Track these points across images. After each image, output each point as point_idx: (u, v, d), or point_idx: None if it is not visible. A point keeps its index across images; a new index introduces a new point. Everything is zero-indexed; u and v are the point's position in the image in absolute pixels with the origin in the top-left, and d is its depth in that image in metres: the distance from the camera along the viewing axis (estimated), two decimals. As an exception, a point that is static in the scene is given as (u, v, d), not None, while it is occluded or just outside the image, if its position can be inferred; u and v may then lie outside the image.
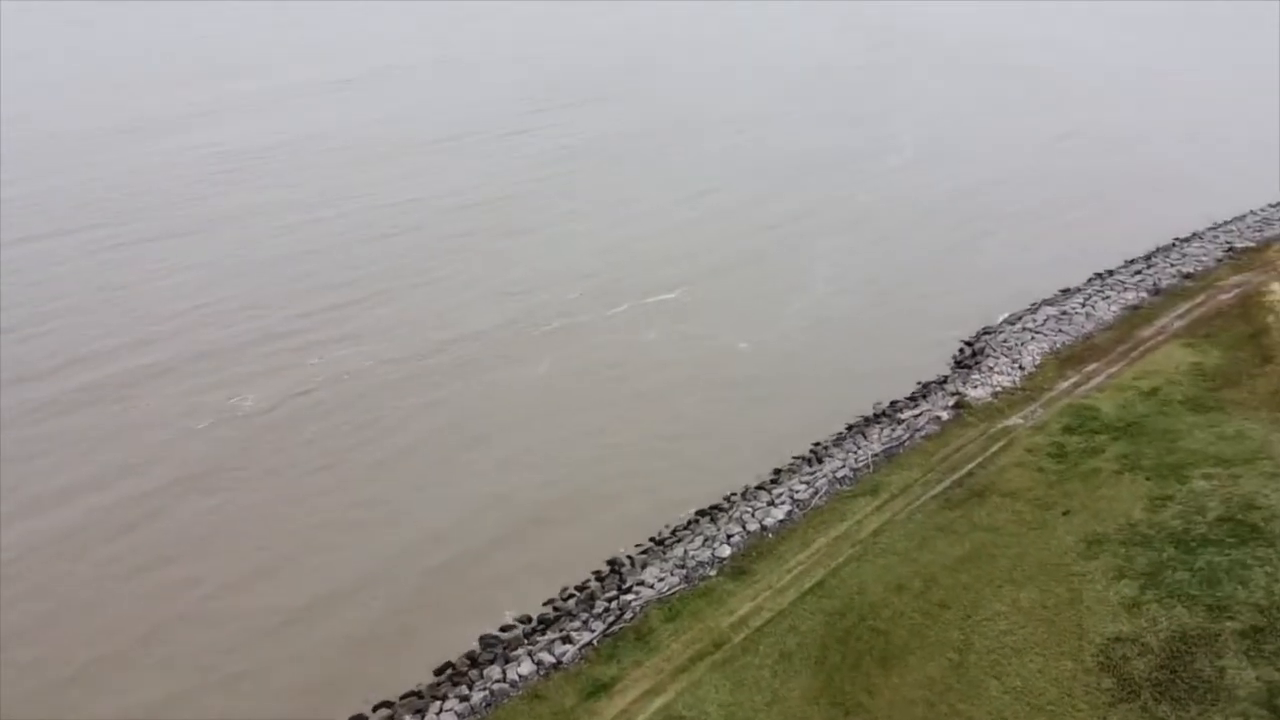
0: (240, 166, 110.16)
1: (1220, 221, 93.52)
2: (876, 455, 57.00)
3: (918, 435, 58.73)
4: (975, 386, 63.97)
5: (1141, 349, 67.31)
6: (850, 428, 61.91)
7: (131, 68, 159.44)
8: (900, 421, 60.61)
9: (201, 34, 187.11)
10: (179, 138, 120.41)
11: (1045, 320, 72.71)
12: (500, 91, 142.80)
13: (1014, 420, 59.44)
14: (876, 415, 63.03)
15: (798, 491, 54.34)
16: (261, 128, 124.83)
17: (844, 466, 56.27)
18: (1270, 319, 68.07)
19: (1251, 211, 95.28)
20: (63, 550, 51.61)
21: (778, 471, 57.85)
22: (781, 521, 51.84)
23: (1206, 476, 48.81)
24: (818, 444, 60.31)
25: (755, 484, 56.76)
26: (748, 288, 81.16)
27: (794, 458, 59.25)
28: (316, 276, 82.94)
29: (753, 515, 52.78)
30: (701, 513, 54.46)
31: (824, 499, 53.52)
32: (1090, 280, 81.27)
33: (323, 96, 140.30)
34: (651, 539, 52.44)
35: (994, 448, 56.60)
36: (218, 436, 61.28)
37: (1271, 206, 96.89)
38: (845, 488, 54.47)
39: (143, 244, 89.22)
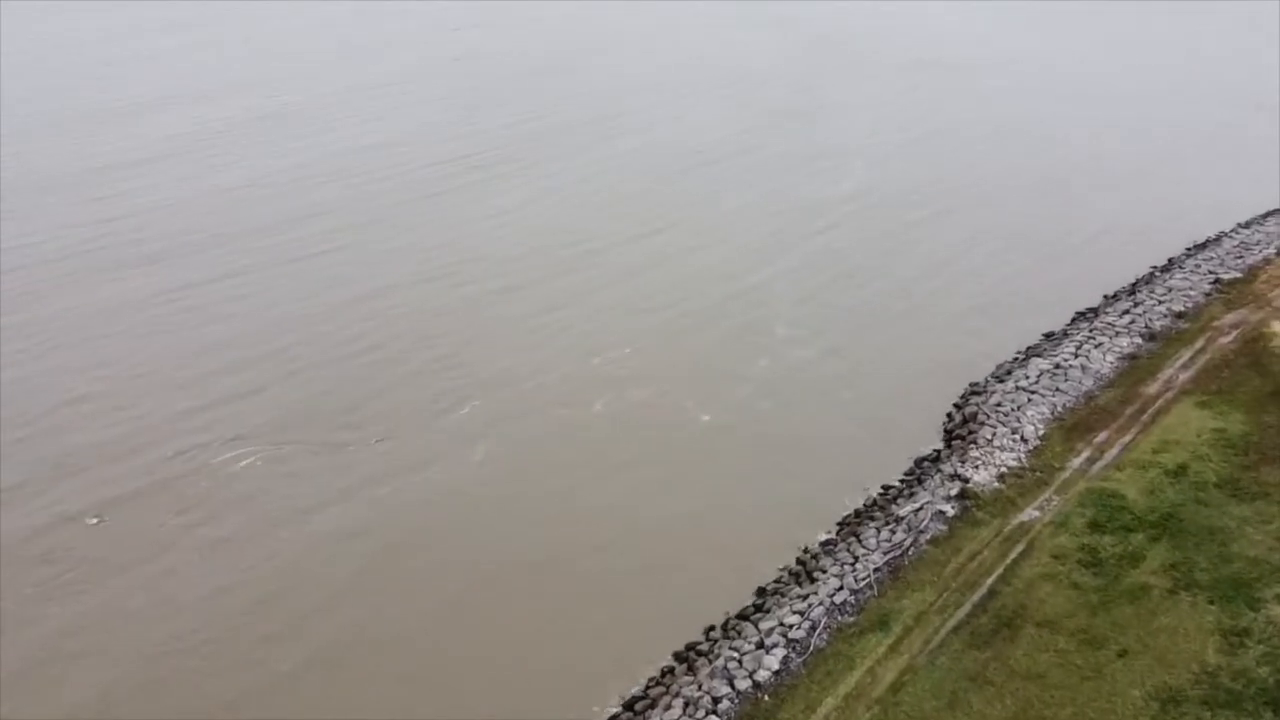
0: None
1: (1196, 243, 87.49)
2: (878, 570, 47.85)
3: (923, 540, 49.81)
4: (977, 467, 55.44)
5: (1152, 411, 59.72)
6: (841, 527, 52.73)
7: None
8: (899, 519, 51.61)
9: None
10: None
11: (1039, 376, 64.73)
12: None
13: (1030, 513, 51.00)
14: (868, 508, 53.99)
15: (791, 625, 44.86)
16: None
17: (842, 587, 46.97)
18: (1287, 371, 61.18)
19: (1225, 234, 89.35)
20: None
21: (762, 592, 48.35)
22: (777, 673, 42.32)
23: (1283, 601, 40.83)
24: (805, 551, 50.95)
25: (736, 611, 47.20)
26: (701, 341, 71.48)
27: (780, 571, 49.83)
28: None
29: (740, 663, 43.13)
30: (679, 657, 44.58)
31: (824, 637, 44.15)
32: (1074, 321, 73.90)
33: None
34: (621, 702, 42.26)
35: (1014, 553, 48.01)
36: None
37: (1243, 227, 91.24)
38: (847, 618, 45.19)
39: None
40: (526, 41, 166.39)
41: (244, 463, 57.53)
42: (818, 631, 44.24)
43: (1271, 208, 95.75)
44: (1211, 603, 41.66)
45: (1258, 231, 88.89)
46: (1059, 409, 61.08)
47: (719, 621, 46.59)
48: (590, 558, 50.34)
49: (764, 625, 45.38)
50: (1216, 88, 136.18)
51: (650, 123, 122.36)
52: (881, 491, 55.48)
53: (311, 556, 50.28)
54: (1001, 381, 65.23)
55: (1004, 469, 55.19)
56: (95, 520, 53.00)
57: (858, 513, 53.82)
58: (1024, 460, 55.89)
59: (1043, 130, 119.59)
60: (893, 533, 50.69)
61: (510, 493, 55.11)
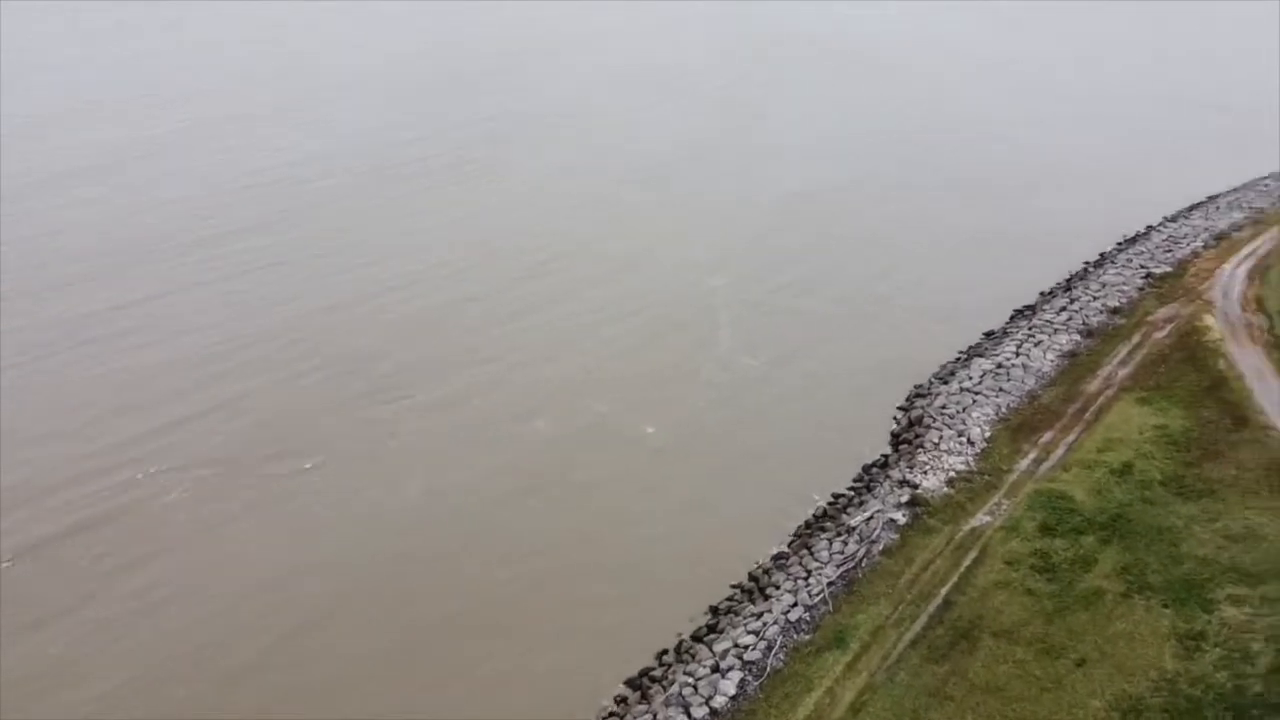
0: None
1: (1127, 238, 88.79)
2: (832, 583, 46.76)
3: (875, 550, 48.88)
4: (925, 473, 54.80)
5: (1094, 409, 59.87)
6: (793, 539, 51.60)
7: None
8: (851, 530, 50.65)
9: None
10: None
11: (982, 377, 64.57)
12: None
13: (980, 518, 50.47)
14: (819, 519, 52.98)
15: (746, 646, 43.50)
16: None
17: (796, 604, 45.77)
18: (1223, 365, 61.95)
19: (1153, 228, 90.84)
20: None
21: (715, 611, 46.94)
22: (734, 698, 40.88)
23: (1235, 601, 40.77)
24: (757, 566, 49.71)
25: (690, 633, 45.71)
26: (646, 351, 69.84)
27: (732, 588, 48.46)
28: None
29: (695, 689, 41.64)
30: (632, 684, 42.93)
31: (780, 657, 42.85)
32: (1013, 320, 74.12)
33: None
34: (572, 737, 40.50)
35: (967, 560, 47.36)
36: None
37: (1169, 220, 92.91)
38: (803, 636, 43.98)
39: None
40: (475, 42, 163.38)
41: (171, 496, 54.20)
42: (774, 651, 42.94)
43: (1195, 201, 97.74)
44: (1166, 606, 41.39)
45: (1184, 225, 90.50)
46: (1003, 409, 60.89)
47: (672, 645, 45.01)
48: (536, 585, 48.36)
49: (718, 647, 43.95)
50: (1145, 86, 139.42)
51: (596, 127, 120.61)
52: (831, 501, 54.53)
53: (244, 607, 47.16)
54: (945, 383, 64.90)
55: (952, 473, 54.65)
56: (8, 563, 49.36)
57: (808, 524, 52.80)
58: (972, 464, 55.44)
59: (976, 130, 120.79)
60: (845, 544, 49.69)
61: (451, 524, 52.70)
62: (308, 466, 56.57)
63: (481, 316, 73.86)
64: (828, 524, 52.12)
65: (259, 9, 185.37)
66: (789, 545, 51.23)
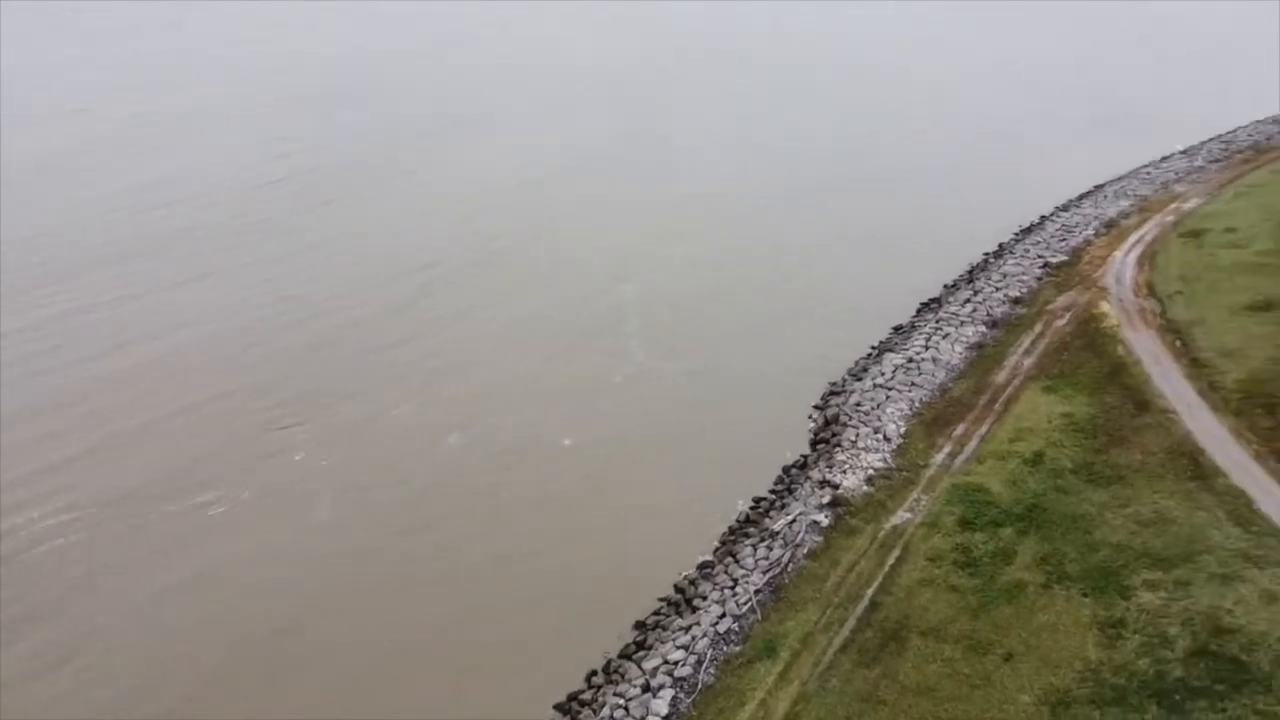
0: None
1: (1023, 228, 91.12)
2: (759, 591, 46.21)
3: (800, 554, 48.53)
4: (845, 472, 54.80)
5: (1003, 399, 60.87)
6: (718, 548, 50.90)
7: None
8: (775, 534, 50.21)
9: None
10: None
11: (894, 372, 65.08)
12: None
13: (901, 516, 50.62)
14: (742, 525, 52.44)
15: (676, 662, 42.60)
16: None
17: (724, 614, 45.07)
18: (1121, 350, 63.74)
19: (1047, 218, 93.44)
20: None
21: (642, 627, 45.90)
22: (667, 718, 39.83)
23: (1150, 586, 41.61)
24: (682, 577, 48.83)
25: (619, 651, 44.58)
26: (558, 362, 68.34)
27: (659, 602, 47.48)
28: None
29: (626, 710, 40.64)
30: (562, 709, 41.57)
31: (711, 671, 42.07)
32: (920, 313, 75.13)
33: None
34: (500, 772, 38.86)
35: (890, 559, 47.38)
36: None
37: (1061, 210, 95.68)
38: (733, 647, 43.29)
39: None
40: (363, 37, 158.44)
41: (55, 543, 50.42)
42: (704, 666, 42.14)
43: (1083, 190, 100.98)
44: (1085, 595, 42.00)
45: (1075, 214, 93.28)
46: (917, 404, 61.43)
47: (600, 665, 43.77)
48: (457, 613, 46.51)
49: (648, 664, 42.92)
50: (1037, 79, 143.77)
51: (501, 128, 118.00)
52: (753, 505, 54.07)
53: (140, 661, 44.13)
54: (859, 379, 65.22)
55: (871, 471, 54.76)
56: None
57: (732, 530, 52.21)
58: (889, 460, 55.66)
59: (875, 129, 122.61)
60: (769, 549, 49.23)
61: (360, 557, 50.37)
62: (207, 501, 53.39)
63: (382, 336, 71.01)
64: (751, 529, 51.61)
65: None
66: (714, 553, 50.54)
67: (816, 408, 63.26)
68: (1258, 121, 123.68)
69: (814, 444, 59.62)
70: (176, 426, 59.90)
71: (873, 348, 70.27)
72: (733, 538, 51.37)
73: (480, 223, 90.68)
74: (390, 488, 54.99)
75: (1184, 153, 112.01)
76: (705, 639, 43.52)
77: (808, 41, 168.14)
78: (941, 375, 64.57)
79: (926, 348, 68.04)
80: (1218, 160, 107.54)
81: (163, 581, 47.99)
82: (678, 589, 47.95)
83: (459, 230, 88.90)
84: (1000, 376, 63.67)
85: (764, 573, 47.39)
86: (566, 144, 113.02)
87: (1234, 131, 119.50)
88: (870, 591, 45.34)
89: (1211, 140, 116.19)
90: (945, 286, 79.72)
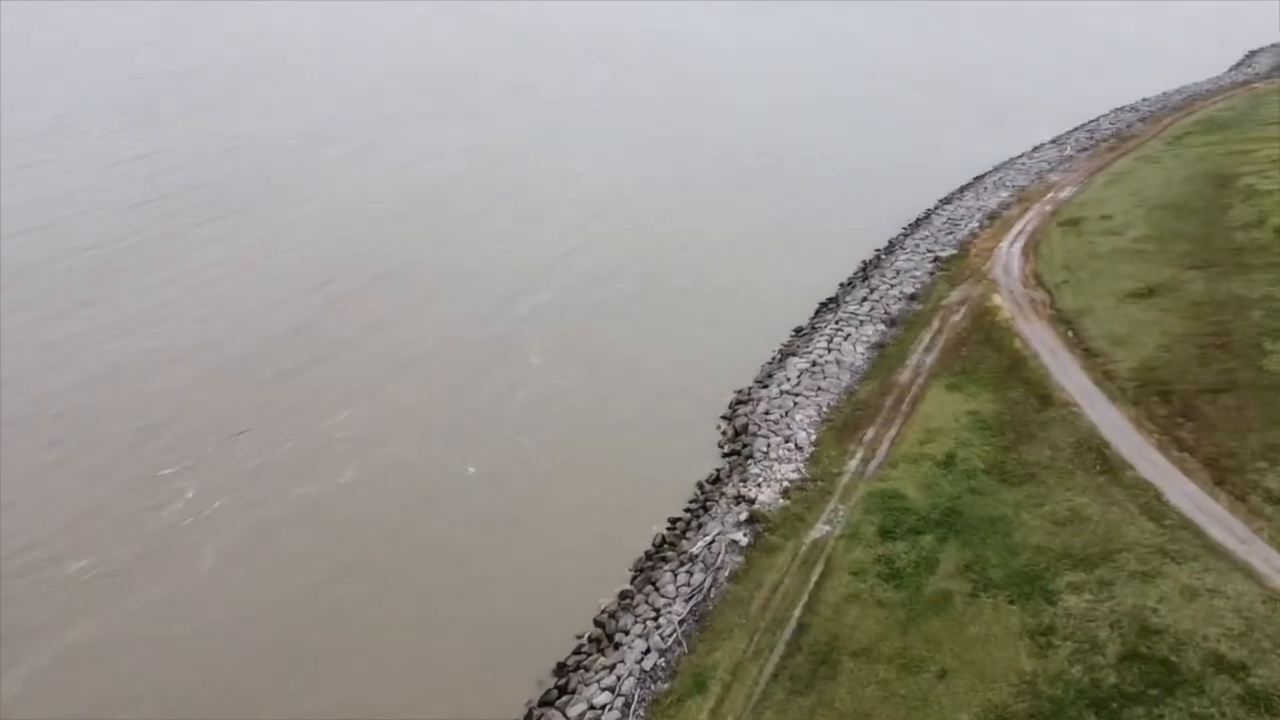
0: None
1: (910, 223, 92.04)
2: (683, 621, 44.17)
3: (722, 577, 46.74)
4: (760, 484, 53.37)
5: (909, 399, 60.59)
6: (636, 575, 48.66)
7: None
8: (694, 558, 48.29)
9: None
10: None
11: (799, 377, 64.15)
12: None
13: (820, 529, 49.42)
14: (659, 548, 50.39)
15: (602, 707, 40.22)
16: None
17: (649, 649, 42.87)
18: (1018, 344, 64.46)
19: (932, 211, 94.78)
20: None
21: (564, 670, 43.29)
22: (598, 769, 37.40)
23: (1075, 589, 41.37)
24: (602, 611, 46.42)
25: (540, 697, 41.84)
26: (455, 383, 64.83)
27: (578, 640, 44.97)
28: None
29: (555, 765, 37.85)
30: (479, 771, 38.57)
31: (640, 713, 39.77)
32: (819, 314, 74.67)
33: None
34: None
35: (814, 576, 46.04)
36: None
37: (944, 203, 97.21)
38: (662, 685, 41.14)
39: None
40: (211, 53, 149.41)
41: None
42: (633, 708, 39.84)
43: (964, 182, 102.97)
44: (1012, 602, 41.49)
45: (959, 206, 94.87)
46: (825, 409, 60.57)
47: (521, 715, 40.96)
48: (366, 676, 42.85)
49: (573, 711, 40.41)
50: (907, 75, 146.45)
51: (368, 145, 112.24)
52: (669, 526, 52.08)
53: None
54: (765, 387, 64.02)
55: (786, 482, 53.49)
56: None
57: (649, 555, 50.10)
58: (803, 470, 54.50)
59: (755, 130, 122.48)
60: (690, 574, 47.28)
61: (249, 607, 46.16)
62: (81, 567, 48.09)
63: (270, 366, 65.75)
64: (669, 553, 49.62)
65: None
66: (632, 582, 48.34)
67: (725, 418, 61.72)
68: (1117, 110, 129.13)
69: (725, 456, 58.03)
70: (44, 484, 53.76)
71: (775, 353, 69.20)
72: (651, 564, 49.25)
73: (370, 240, 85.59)
74: (280, 534, 50.71)
75: (1053, 142, 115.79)
76: (631, 678, 41.25)
77: (681, 42, 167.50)
78: (846, 378, 63.96)
79: (829, 350, 67.40)
80: (1085, 149, 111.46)
81: (34, 662, 42.75)
82: (598, 624, 45.54)
83: (343, 250, 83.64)
84: (904, 376, 63.47)
85: (686, 600, 45.40)
86: (459, 149, 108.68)
87: (1096, 120, 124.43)
88: (797, 612, 43.87)
89: (1077, 129, 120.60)
90: (841, 285, 79.63)
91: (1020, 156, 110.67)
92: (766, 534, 49.39)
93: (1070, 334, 65.70)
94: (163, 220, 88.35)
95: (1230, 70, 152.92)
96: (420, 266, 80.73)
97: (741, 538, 49.19)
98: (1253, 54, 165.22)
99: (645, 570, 48.82)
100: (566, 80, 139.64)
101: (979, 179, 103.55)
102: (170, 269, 79.06)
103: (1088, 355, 62.40)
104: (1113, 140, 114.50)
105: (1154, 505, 45.65)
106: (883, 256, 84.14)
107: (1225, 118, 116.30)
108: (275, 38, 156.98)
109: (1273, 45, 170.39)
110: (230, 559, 49.07)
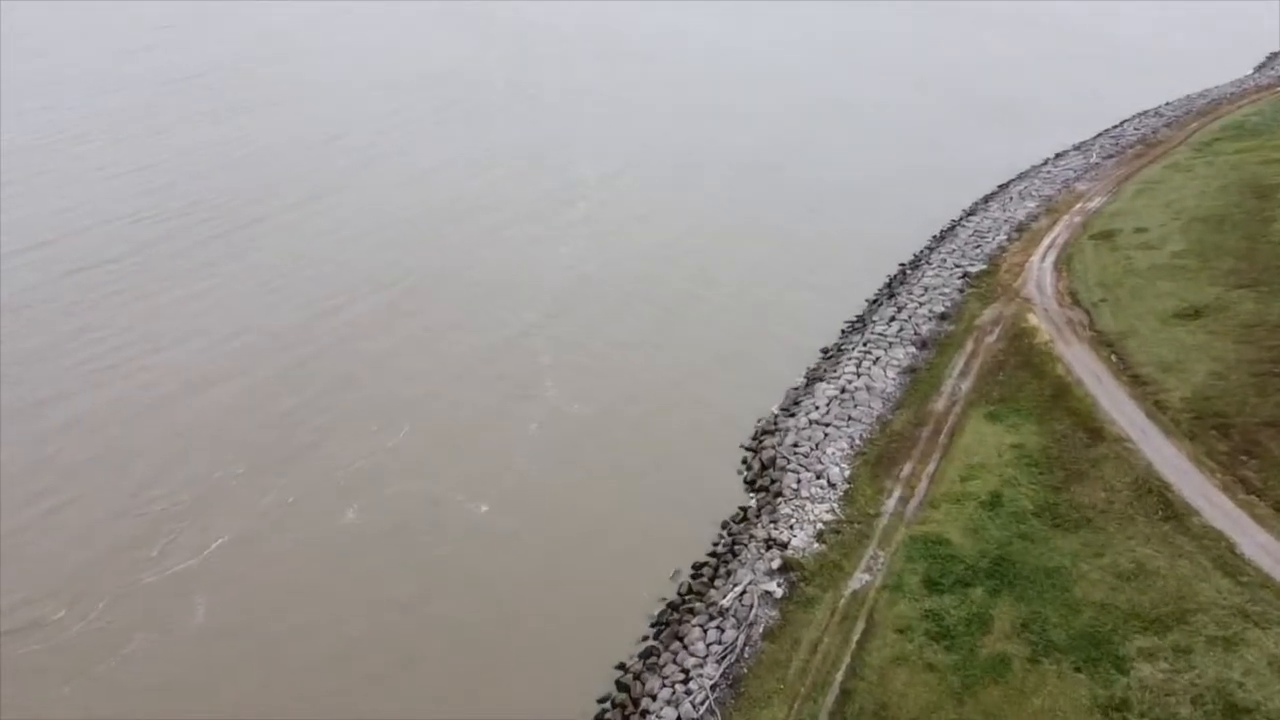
0: None
1: (935, 235, 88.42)
2: (715, 685, 40.54)
3: (756, 634, 43.12)
4: (791, 526, 49.74)
5: (946, 430, 57.02)
6: (661, 627, 45.06)
7: None
8: (724, 611, 44.69)
9: None
10: None
11: (828, 405, 60.49)
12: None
13: (860, 578, 45.81)
14: (685, 597, 46.76)
15: (631, 786, 36.49)
16: None
17: (679, 718, 39.20)
18: (1060, 370, 60.78)
19: (957, 223, 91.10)
20: None
21: (585, 740, 39.65)
22: None
23: (1147, 655, 37.76)
24: (624, 670, 42.83)
25: (559, 773, 38.17)
26: (463, 409, 61.17)
27: (600, 705, 41.34)
28: None
29: None
30: None
31: (673, 795, 36.14)
32: (847, 334, 71.01)
33: None
34: None
35: (856, 634, 42.50)
36: None
37: (969, 215, 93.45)
38: (695, 762, 37.48)
39: None
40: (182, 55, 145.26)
41: None
42: (664, 790, 36.20)
43: (988, 192, 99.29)
44: (1078, 669, 37.91)
45: (985, 218, 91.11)
46: (857, 441, 56.94)
47: (539, 795, 37.41)
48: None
49: (597, 791, 36.73)
50: (922, 77, 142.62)
51: (372, 159, 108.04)
52: (694, 573, 48.50)
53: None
54: (792, 415, 60.39)
55: (820, 524, 49.85)
56: None
57: (673, 606, 46.49)
58: (838, 510, 50.86)
59: (761, 133, 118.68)
60: (720, 630, 43.66)
61: (244, 661, 42.59)
62: (68, 615, 44.59)
63: (268, 408, 61.25)
64: (696, 604, 45.98)
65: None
66: (657, 636, 44.72)
67: (749, 450, 58.10)
68: (1141, 114, 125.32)
69: (752, 490, 54.49)
70: (28, 539, 49.95)
71: (801, 377, 65.58)
72: (676, 615, 45.64)
73: (375, 261, 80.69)
74: (278, 580, 47.14)
75: (1077, 149, 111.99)
76: (660, 756, 37.61)
77: (683, 43, 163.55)
78: (878, 406, 60.31)
79: (858, 374, 63.74)
80: (1111, 156, 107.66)
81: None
82: (621, 686, 41.98)
83: (347, 273, 78.94)
84: (939, 404, 59.85)
85: (718, 661, 41.81)
86: (468, 160, 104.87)
87: (1120, 126, 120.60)
88: (839, 676, 40.35)
89: (1101, 135, 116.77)
90: (868, 302, 76.00)
91: (1044, 164, 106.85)
92: (802, 584, 45.78)
93: (1114, 358, 62.05)
94: (147, 247, 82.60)
95: (1253, 73, 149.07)
96: (429, 289, 76.27)
97: (775, 588, 45.58)
98: (1274, 55, 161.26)
99: (671, 623, 45.24)
100: (572, 85, 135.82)
101: (1004, 188, 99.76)
102: (159, 296, 73.62)
103: (1135, 383, 58.75)
104: (1139, 146, 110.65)
105: (1227, 558, 42.01)
106: (908, 272, 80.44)
107: (1255, 123, 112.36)
108: (275, 41, 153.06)
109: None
110: (219, 606, 45.47)
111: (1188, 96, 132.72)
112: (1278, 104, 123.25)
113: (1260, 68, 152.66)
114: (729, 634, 43.18)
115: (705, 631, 43.76)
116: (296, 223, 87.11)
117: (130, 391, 61.80)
